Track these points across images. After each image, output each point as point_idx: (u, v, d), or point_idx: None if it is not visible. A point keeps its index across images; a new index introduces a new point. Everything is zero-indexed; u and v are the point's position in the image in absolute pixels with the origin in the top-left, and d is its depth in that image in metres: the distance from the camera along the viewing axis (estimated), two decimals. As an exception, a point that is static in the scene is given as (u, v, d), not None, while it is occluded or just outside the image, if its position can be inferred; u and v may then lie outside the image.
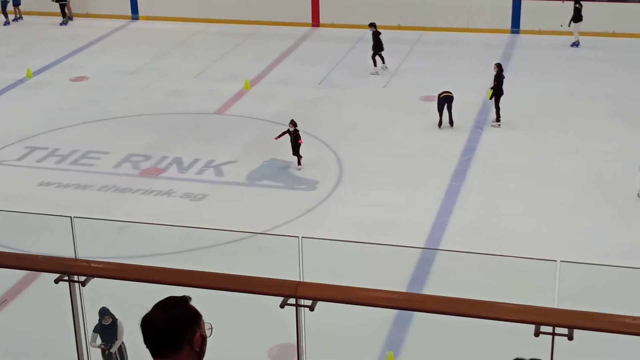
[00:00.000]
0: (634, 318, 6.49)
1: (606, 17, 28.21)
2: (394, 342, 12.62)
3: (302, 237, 8.31)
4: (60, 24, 31.86)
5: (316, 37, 29.41)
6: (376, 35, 25.13)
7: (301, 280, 6.81)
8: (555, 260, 8.34)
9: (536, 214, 16.51)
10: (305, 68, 26.10)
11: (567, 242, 15.19)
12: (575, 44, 27.13)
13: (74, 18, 32.27)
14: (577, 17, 26.72)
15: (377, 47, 25.13)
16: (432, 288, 13.70)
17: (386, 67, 25.28)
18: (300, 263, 8.08)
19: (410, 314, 12.74)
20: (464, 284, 12.37)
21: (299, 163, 19.03)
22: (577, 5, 26.73)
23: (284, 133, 19.19)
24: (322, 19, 30.40)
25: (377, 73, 25.17)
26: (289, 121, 19.13)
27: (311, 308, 6.55)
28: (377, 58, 25.17)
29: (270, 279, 6.33)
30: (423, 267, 14.55)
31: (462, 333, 10.99)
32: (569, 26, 27.01)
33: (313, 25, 30.51)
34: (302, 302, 6.64)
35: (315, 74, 25.41)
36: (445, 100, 20.85)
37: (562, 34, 27.91)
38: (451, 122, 20.97)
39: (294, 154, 18.99)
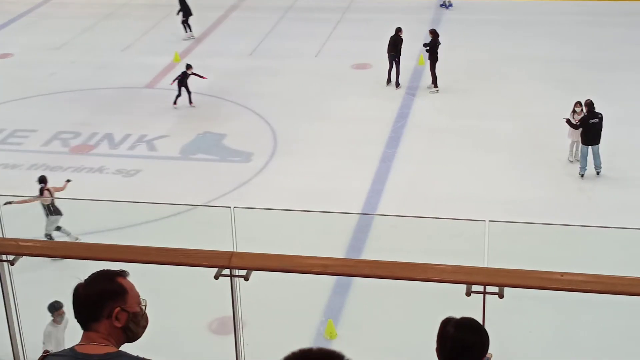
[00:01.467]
0: (562, 274, 6.67)
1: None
2: (333, 310, 12.71)
3: (234, 207, 8.26)
4: None
5: (245, 7, 29.10)
6: (183, 0, 25.49)
7: (235, 251, 6.78)
8: (484, 220, 8.48)
9: (469, 177, 16.74)
10: (235, 39, 25.83)
11: (499, 203, 15.45)
12: (445, 5, 27.77)
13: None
14: None
15: (185, 12, 25.46)
16: (370, 253, 13.81)
17: (192, 36, 25.73)
18: (233, 233, 8.04)
19: (349, 281, 12.85)
20: (400, 248, 12.51)
21: (191, 101, 20.45)
22: None
23: (178, 77, 20.21)
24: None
25: (188, 39, 25.58)
26: (186, 65, 20.53)
27: (245, 278, 6.54)
28: (187, 24, 25.66)
29: (202, 250, 6.28)
30: (360, 234, 14.65)
31: (399, 296, 11.15)
32: None
33: (242, -5, 30.16)
34: (237, 272, 6.62)
35: (245, 45, 25.17)
36: (390, 58, 21.07)
37: (491, -1, 28.24)
38: (397, 83, 21.17)
39: (189, 94, 20.43)
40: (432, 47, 20.91)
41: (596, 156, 16.24)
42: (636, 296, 7.40)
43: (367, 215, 15.16)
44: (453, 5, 27.76)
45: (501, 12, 27.40)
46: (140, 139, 18.95)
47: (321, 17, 27.13)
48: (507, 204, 15.39)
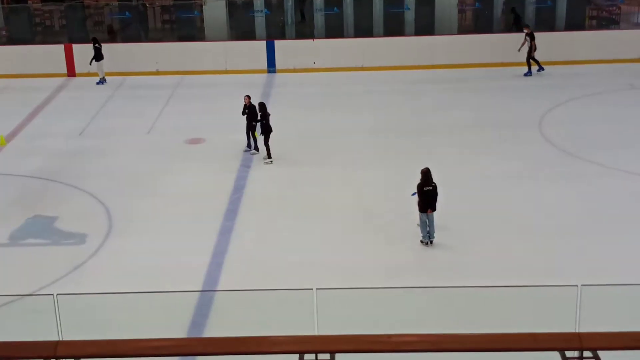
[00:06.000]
0: (389, 336, 6.91)
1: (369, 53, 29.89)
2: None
3: (57, 294, 8.00)
4: None
5: (73, 87, 28.66)
6: None
7: (60, 340, 6.58)
8: (312, 289, 8.66)
9: (307, 245, 16.99)
10: (64, 119, 25.30)
11: (335, 269, 15.76)
12: (102, 82, 28.63)
13: None
14: (98, 56, 28.50)
15: None
16: (213, 330, 13.70)
17: None
18: (58, 321, 7.77)
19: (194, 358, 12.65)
20: (242, 322, 12.46)
21: None
22: (96, 46, 28.51)
23: None
24: (78, 69, 29.67)
25: None
26: None
27: (76, 367, 6.34)
28: None
29: (25, 341, 6.05)
30: (202, 311, 14.49)
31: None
32: (90, 64, 28.59)
33: (69, 75, 29.68)
34: (65, 362, 6.41)
35: (75, 125, 24.69)
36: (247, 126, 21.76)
37: (315, 71, 29.22)
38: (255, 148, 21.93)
39: None
40: (262, 119, 21.32)
41: (431, 224, 16.70)
42: (464, 352, 7.74)
43: (206, 292, 15.03)
44: (107, 81, 28.48)
45: (324, 85, 28.38)
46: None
47: (152, 94, 27.10)
48: (343, 270, 15.71)
